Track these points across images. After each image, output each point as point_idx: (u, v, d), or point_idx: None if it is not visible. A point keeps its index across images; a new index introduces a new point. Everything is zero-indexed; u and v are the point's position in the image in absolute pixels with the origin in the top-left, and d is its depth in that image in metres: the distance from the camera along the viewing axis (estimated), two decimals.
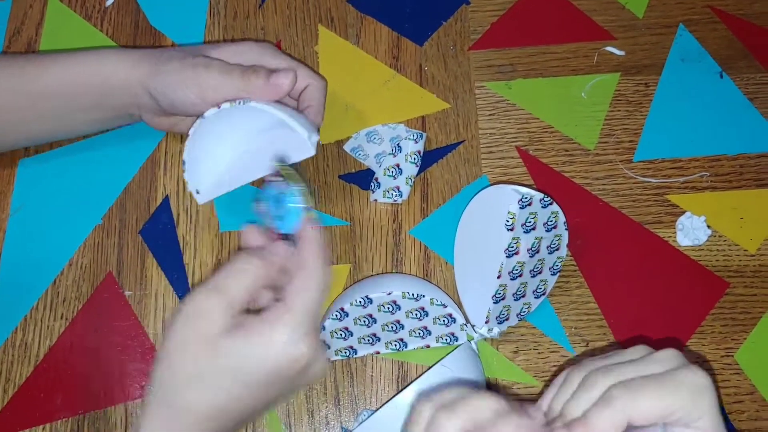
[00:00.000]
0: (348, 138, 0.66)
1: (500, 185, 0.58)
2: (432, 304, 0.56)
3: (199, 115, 0.55)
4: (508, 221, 0.55)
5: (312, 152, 0.55)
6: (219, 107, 0.55)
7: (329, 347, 0.58)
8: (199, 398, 0.42)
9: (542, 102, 0.67)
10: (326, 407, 0.58)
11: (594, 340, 0.59)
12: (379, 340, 0.58)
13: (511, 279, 0.57)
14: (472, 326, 0.58)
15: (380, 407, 0.54)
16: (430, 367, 0.54)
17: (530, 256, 0.57)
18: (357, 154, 0.65)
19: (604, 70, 0.68)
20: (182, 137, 0.65)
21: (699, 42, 0.69)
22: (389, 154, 0.64)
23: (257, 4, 0.71)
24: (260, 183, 0.57)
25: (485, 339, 0.59)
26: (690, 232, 0.62)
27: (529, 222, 0.56)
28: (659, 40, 0.70)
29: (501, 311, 0.57)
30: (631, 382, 0.39)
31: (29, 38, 0.70)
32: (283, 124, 0.54)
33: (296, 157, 0.56)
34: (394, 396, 0.54)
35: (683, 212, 0.63)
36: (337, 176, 0.65)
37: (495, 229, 0.56)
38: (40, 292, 0.61)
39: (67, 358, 0.59)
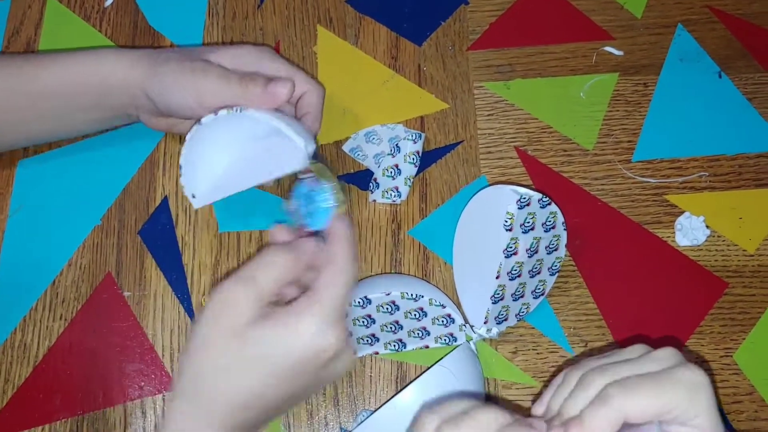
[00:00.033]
0: (347, 138, 0.66)
1: (499, 185, 0.58)
2: (431, 304, 0.57)
3: (197, 120, 0.55)
4: (506, 221, 0.55)
5: (308, 163, 0.55)
6: (216, 114, 0.55)
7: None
8: (228, 389, 0.43)
9: (541, 102, 0.67)
10: (325, 408, 0.58)
11: (593, 341, 0.59)
12: (378, 340, 0.58)
13: (509, 279, 0.57)
14: (471, 327, 0.58)
15: (379, 407, 0.54)
16: (428, 368, 0.54)
17: (529, 257, 0.57)
18: (356, 155, 0.65)
19: (602, 70, 0.68)
20: (181, 138, 0.65)
21: (697, 42, 0.69)
22: (388, 154, 0.64)
23: (256, 4, 0.71)
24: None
25: (484, 339, 0.59)
26: (689, 232, 0.62)
27: (528, 222, 0.56)
28: (658, 40, 0.70)
29: (500, 311, 0.57)
30: (627, 381, 0.40)
31: (28, 38, 0.70)
32: (280, 133, 0.54)
33: (292, 166, 0.56)
34: (393, 396, 0.54)
35: (682, 212, 0.63)
36: (335, 176, 0.65)
37: (493, 229, 0.56)
38: (39, 293, 0.61)
39: (66, 358, 0.59)
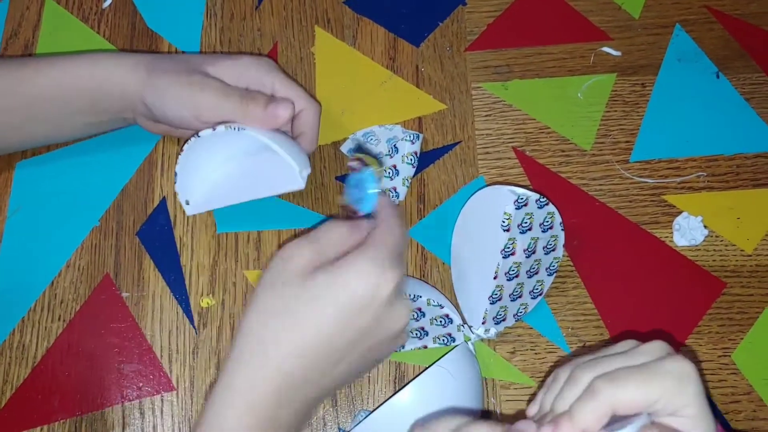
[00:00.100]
0: (345, 139, 0.66)
1: (496, 186, 0.58)
2: (429, 304, 0.57)
3: (195, 132, 0.56)
4: (504, 222, 0.55)
5: (301, 186, 0.56)
6: (214, 129, 0.55)
7: None
8: (288, 333, 0.44)
9: (539, 103, 0.67)
10: (323, 408, 0.58)
11: (591, 341, 0.59)
12: None
13: (507, 280, 0.57)
14: (469, 327, 0.58)
15: (377, 407, 0.54)
16: (426, 368, 0.54)
17: (526, 257, 0.57)
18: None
19: (600, 70, 0.68)
20: (179, 139, 0.65)
21: (695, 42, 0.69)
22: (386, 155, 0.64)
23: (254, 5, 0.72)
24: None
25: (482, 340, 0.59)
26: (687, 232, 0.62)
27: (525, 223, 0.56)
28: (656, 40, 0.70)
29: (498, 312, 0.57)
30: (615, 373, 0.40)
31: (26, 40, 0.70)
32: (277, 155, 0.55)
33: (285, 187, 0.57)
34: (391, 396, 0.54)
35: (680, 212, 0.63)
36: (333, 177, 0.65)
37: (491, 229, 0.56)
38: (38, 294, 0.61)
39: (64, 359, 0.59)
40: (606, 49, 0.69)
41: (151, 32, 0.70)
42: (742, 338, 0.59)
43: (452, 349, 0.56)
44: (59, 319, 0.60)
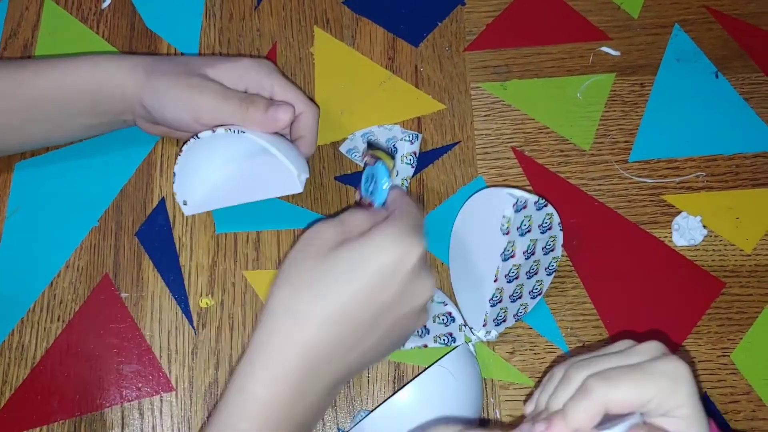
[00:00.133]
0: (344, 139, 0.66)
1: (494, 188, 0.58)
2: (432, 301, 0.56)
3: (194, 134, 0.56)
4: (503, 225, 0.55)
5: (299, 190, 0.57)
6: (213, 131, 0.55)
7: None
8: (315, 304, 0.44)
9: (538, 103, 0.67)
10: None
11: (590, 341, 0.59)
12: None
13: (507, 282, 0.56)
14: (470, 328, 0.58)
15: (377, 407, 0.54)
16: (427, 368, 0.54)
17: (525, 258, 0.57)
18: (353, 156, 0.65)
19: (599, 70, 0.68)
20: (178, 141, 0.65)
21: (694, 42, 0.69)
22: None
23: (253, 5, 0.72)
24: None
25: (482, 341, 0.59)
26: (686, 232, 0.62)
27: (525, 225, 0.56)
28: (654, 40, 0.70)
29: (498, 313, 0.57)
30: (608, 372, 0.41)
31: (25, 40, 0.70)
32: (276, 159, 0.55)
33: (283, 190, 0.58)
34: (391, 396, 0.54)
35: (679, 212, 0.63)
36: (333, 177, 0.65)
37: (490, 232, 0.56)
38: (37, 295, 0.61)
39: (63, 360, 0.59)
40: (605, 49, 0.69)
41: (150, 33, 0.70)
42: (741, 338, 0.59)
43: (453, 349, 0.56)
44: (58, 319, 0.60)
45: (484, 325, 0.57)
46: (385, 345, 0.48)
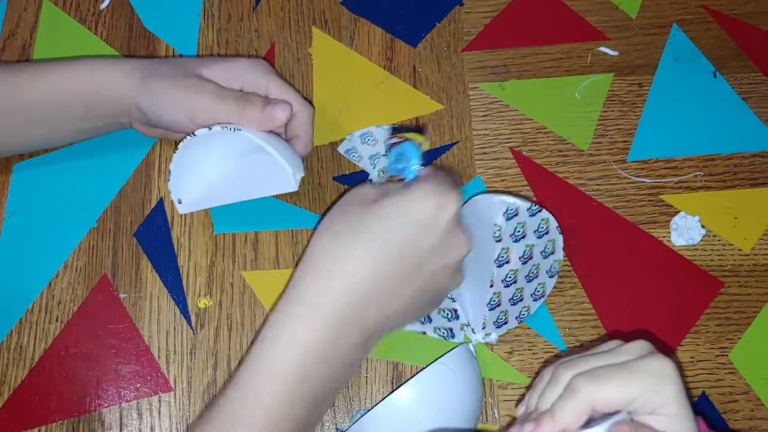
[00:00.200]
0: (342, 139, 0.66)
1: (486, 195, 0.57)
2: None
3: (190, 132, 0.56)
4: (495, 233, 0.55)
5: (294, 188, 0.57)
6: (210, 129, 0.55)
7: None
8: (355, 248, 0.46)
9: (536, 103, 0.67)
10: None
11: (588, 341, 0.59)
12: None
13: (505, 286, 0.56)
14: (472, 329, 0.58)
15: (375, 405, 0.54)
16: (427, 366, 0.54)
17: (523, 263, 0.56)
18: (351, 156, 0.65)
19: (597, 70, 0.68)
20: (176, 143, 0.65)
21: (692, 42, 0.69)
22: (383, 155, 0.64)
23: (251, 6, 0.72)
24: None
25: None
26: (684, 231, 0.62)
27: (518, 232, 0.55)
28: (653, 40, 0.70)
29: (498, 316, 0.57)
30: (594, 371, 0.41)
31: (24, 41, 0.70)
32: (271, 157, 0.55)
33: (278, 189, 0.58)
34: (389, 394, 0.54)
35: (677, 212, 0.63)
36: (331, 178, 0.65)
37: (483, 238, 0.55)
38: (35, 295, 0.61)
39: (62, 360, 0.59)
40: (603, 49, 0.69)
41: (149, 33, 0.70)
42: (739, 338, 0.59)
43: (453, 348, 0.56)
44: (57, 320, 0.60)
45: (483, 328, 0.57)
46: (421, 301, 0.49)
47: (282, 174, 0.56)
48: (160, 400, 0.58)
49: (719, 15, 0.71)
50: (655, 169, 0.65)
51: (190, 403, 0.58)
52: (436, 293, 0.50)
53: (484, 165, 0.65)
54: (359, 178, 0.64)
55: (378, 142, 0.65)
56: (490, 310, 0.57)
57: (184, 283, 0.61)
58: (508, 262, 0.56)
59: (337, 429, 0.57)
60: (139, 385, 0.58)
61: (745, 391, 0.58)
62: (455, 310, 0.57)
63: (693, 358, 0.59)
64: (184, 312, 0.60)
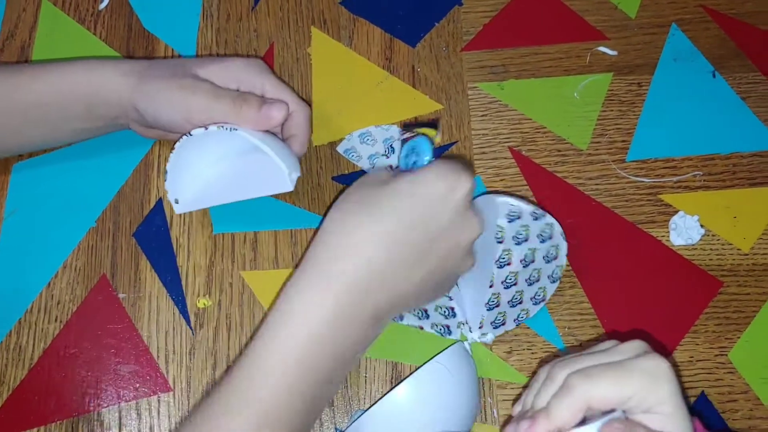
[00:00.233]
0: (341, 139, 0.66)
1: (491, 195, 0.57)
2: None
3: (186, 132, 0.56)
4: (497, 234, 0.54)
5: (290, 188, 0.57)
6: (206, 128, 0.55)
7: None
8: (369, 224, 0.46)
9: (535, 102, 0.67)
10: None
11: (587, 340, 0.59)
12: None
13: (504, 288, 0.56)
14: (469, 328, 0.58)
15: (374, 403, 0.54)
16: (423, 364, 0.54)
17: (524, 266, 0.56)
18: (350, 156, 0.65)
19: (596, 70, 0.69)
20: (175, 142, 0.65)
21: (691, 41, 0.69)
22: (382, 155, 0.64)
23: (250, 6, 0.72)
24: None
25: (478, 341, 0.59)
26: (683, 231, 0.62)
27: (521, 235, 0.55)
28: (652, 39, 0.70)
29: (496, 317, 0.57)
30: (589, 369, 0.41)
31: (23, 42, 0.70)
32: (268, 157, 0.56)
33: (274, 188, 0.58)
34: (388, 392, 0.54)
35: (676, 212, 0.63)
36: (330, 178, 0.65)
37: (485, 239, 0.55)
38: (34, 295, 0.61)
39: (61, 360, 0.59)
40: (602, 48, 0.69)
41: (148, 33, 0.70)
42: (739, 337, 0.59)
43: (449, 346, 0.56)
44: (56, 320, 0.60)
45: (480, 327, 0.57)
46: (432, 283, 0.49)
47: (278, 174, 0.56)
48: (159, 400, 0.58)
49: (718, 14, 0.71)
50: (654, 168, 0.65)
51: (189, 404, 0.58)
52: (446, 275, 0.50)
53: (483, 165, 0.65)
54: (358, 178, 0.64)
55: (377, 141, 0.65)
56: (488, 310, 0.57)
57: (183, 283, 0.61)
58: (509, 264, 0.56)
59: (336, 429, 0.57)
60: (138, 385, 0.58)
61: (744, 391, 0.58)
62: (452, 309, 0.57)
63: (692, 357, 0.59)
64: (183, 312, 0.60)
